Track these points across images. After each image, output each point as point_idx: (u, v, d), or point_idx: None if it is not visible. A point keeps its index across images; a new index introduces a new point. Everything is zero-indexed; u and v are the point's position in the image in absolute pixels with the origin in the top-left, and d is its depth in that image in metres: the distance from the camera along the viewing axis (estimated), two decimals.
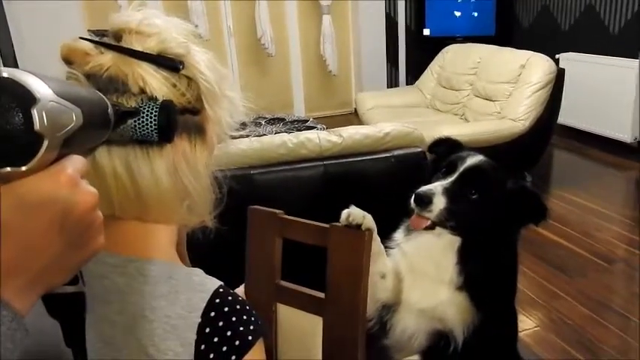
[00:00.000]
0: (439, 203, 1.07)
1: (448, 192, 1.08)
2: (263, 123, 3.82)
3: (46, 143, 0.41)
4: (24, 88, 0.40)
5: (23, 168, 0.41)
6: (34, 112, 0.40)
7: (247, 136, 2.01)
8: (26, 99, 0.40)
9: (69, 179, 0.44)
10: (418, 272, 1.17)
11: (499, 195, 1.11)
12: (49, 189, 0.43)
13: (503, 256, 1.17)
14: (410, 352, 1.20)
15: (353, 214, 1.04)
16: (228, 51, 5.17)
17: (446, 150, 1.26)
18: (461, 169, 1.12)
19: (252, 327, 0.67)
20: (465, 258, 1.10)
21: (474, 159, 1.14)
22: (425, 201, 1.07)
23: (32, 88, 0.40)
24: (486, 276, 1.13)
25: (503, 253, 1.17)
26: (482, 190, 1.10)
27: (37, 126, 0.40)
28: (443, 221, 1.09)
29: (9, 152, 0.40)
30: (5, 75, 0.40)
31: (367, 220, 1.04)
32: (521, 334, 2.23)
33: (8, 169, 0.40)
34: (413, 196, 1.09)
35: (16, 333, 0.41)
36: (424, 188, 1.09)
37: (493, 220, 1.11)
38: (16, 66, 4.04)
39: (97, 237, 0.48)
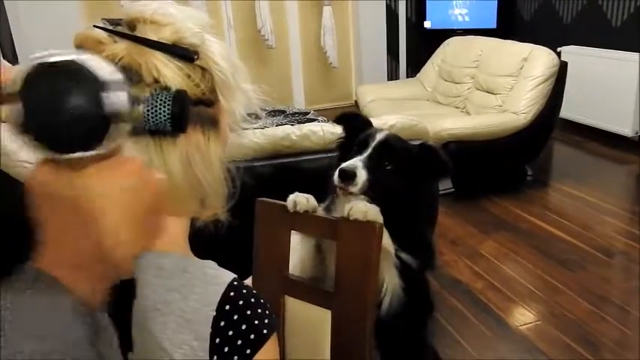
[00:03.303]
0: (362, 176, 1.16)
1: (367, 166, 1.18)
2: (264, 115, 3.81)
3: (117, 127, 0.41)
4: (91, 72, 0.40)
5: (94, 152, 0.41)
6: (105, 96, 0.40)
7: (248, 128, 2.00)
8: (96, 83, 0.40)
9: (141, 166, 0.43)
10: None
11: (408, 161, 1.24)
12: (127, 178, 0.43)
13: (420, 210, 1.29)
14: None
15: (354, 209, 1.04)
16: (228, 43, 5.14)
17: (356, 127, 1.34)
18: (373, 144, 1.23)
19: (266, 321, 0.67)
20: (388, 221, 1.15)
21: (382, 134, 1.26)
22: (350, 175, 1.15)
23: (98, 71, 0.40)
24: (408, 228, 1.22)
25: (421, 208, 1.30)
26: (394, 161, 1.22)
27: (108, 109, 0.40)
28: (366, 192, 1.17)
29: (80, 136, 0.40)
30: (72, 58, 0.40)
31: (370, 213, 1.04)
32: (522, 328, 2.25)
33: (79, 154, 0.40)
34: (337, 172, 1.17)
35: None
36: (346, 164, 1.18)
37: (408, 185, 1.23)
38: (15, 60, 4.04)
39: (162, 222, 0.47)
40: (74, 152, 0.40)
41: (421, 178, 1.25)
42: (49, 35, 3.53)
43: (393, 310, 1.12)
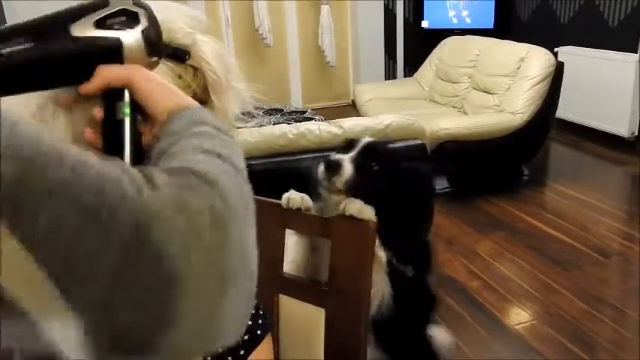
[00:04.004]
0: (347, 170, 1.17)
1: (354, 162, 1.20)
2: (261, 114, 3.81)
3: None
4: None
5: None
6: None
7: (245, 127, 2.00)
8: None
9: None
10: None
11: (396, 169, 1.25)
12: None
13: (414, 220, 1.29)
14: None
15: (349, 205, 1.04)
16: (226, 41, 5.14)
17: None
18: (360, 145, 1.24)
19: (260, 321, 0.67)
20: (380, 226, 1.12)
21: (368, 139, 1.27)
22: (335, 166, 1.17)
23: None
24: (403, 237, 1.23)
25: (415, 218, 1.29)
26: (381, 162, 1.23)
27: None
28: (353, 190, 1.17)
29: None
30: None
31: (366, 212, 1.04)
32: (517, 327, 2.25)
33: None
34: (322, 165, 1.18)
35: None
36: (333, 157, 1.20)
37: (391, 191, 1.23)
38: None
39: None
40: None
41: (403, 193, 1.25)
42: None
43: (382, 316, 1.12)
